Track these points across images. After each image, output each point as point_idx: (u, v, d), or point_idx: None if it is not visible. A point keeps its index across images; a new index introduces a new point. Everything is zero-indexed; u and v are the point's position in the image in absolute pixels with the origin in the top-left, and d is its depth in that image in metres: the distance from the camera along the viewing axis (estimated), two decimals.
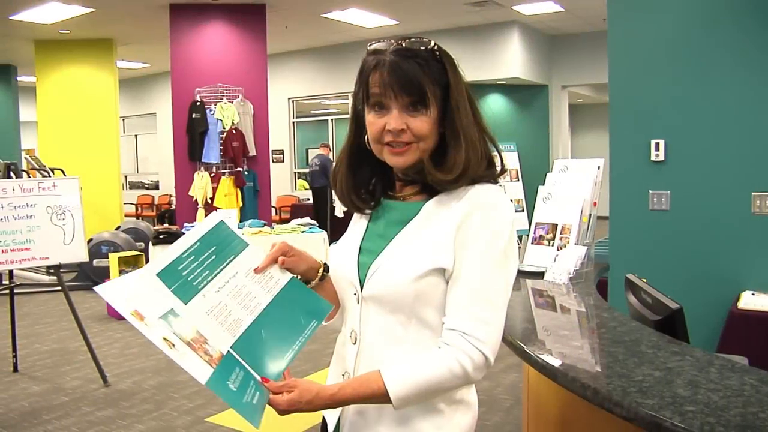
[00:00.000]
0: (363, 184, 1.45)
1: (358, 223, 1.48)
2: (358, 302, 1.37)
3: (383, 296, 1.32)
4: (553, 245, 3.04)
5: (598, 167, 3.12)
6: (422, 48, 1.30)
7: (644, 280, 2.26)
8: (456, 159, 1.31)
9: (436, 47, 1.32)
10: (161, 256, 1.29)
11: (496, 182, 1.37)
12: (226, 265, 1.34)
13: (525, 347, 1.88)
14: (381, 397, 1.25)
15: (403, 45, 1.30)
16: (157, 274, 1.26)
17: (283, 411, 1.25)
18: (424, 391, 1.26)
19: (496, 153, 1.39)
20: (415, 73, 1.28)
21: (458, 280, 1.28)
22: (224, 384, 1.18)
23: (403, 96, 1.29)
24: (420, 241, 1.32)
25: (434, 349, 1.28)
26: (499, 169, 1.38)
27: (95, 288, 1.22)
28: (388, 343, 1.33)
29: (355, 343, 1.38)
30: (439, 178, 1.32)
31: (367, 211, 1.46)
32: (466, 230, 1.29)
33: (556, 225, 3.08)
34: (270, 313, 1.33)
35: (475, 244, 1.28)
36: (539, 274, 2.93)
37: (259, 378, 1.24)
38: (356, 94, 1.38)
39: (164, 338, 1.17)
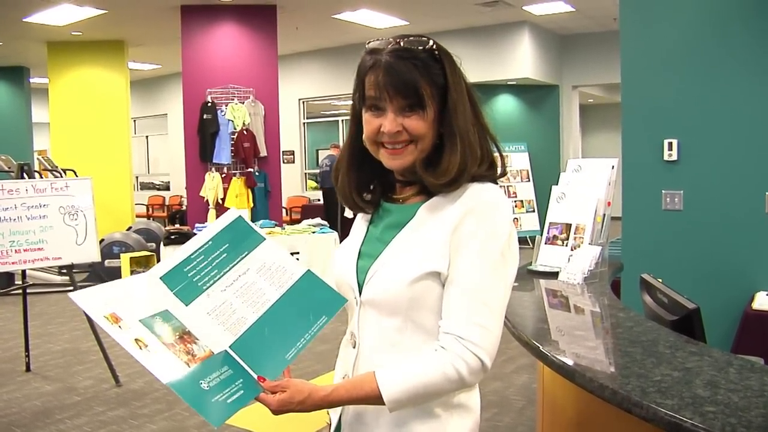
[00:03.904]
0: (364, 185, 1.43)
1: (360, 226, 1.46)
2: (357, 306, 1.36)
3: (379, 301, 1.31)
4: (567, 245, 3.03)
5: (612, 167, 3.11)
6: (420, 48, 1.28)
7: (660, 280, 2.25)
8: (450, 161, 1.28)
9: (435, 46, 1.29)
10: (169, 258, 1.31)
11: (495, 183, 1.34)
12: (238, 262, 1.34)
13: (541, 347, 1.87)
14: (375, 399, 1.24)
15: (401, 44, 1.27)
16: (160, 278, 1.29)
17: (274, 411, 1.24)
18: (418, 394, 1.23)
19: (498, 154, 1.36)
20: (411, 75, 1.25)
21: (454, 283, 1.26)
22: (193, 383, 1.16)
23: (398, 98, 1.27)
24: (414, 245, 1.30)
25: (430, 351, 1.25)
26: (500, 171, 1.36)
27: (70, 295, 1.24)
28: (385, 348, 1.32)
29: (354, 347, 1.37)
30: (432, 182, 1.30)
31: (369, 212, 1.44)
32: (461, 232, 1.26)
33: (570, 225, 3.06)
34: (277, 310, 1.31)
35: (470, 246, 1.26)
36: (553, 275, 2.92)
37: (255, 377, 1.23)
38: (354, 93, 1.36)
39: (136, 339, 1.19)
